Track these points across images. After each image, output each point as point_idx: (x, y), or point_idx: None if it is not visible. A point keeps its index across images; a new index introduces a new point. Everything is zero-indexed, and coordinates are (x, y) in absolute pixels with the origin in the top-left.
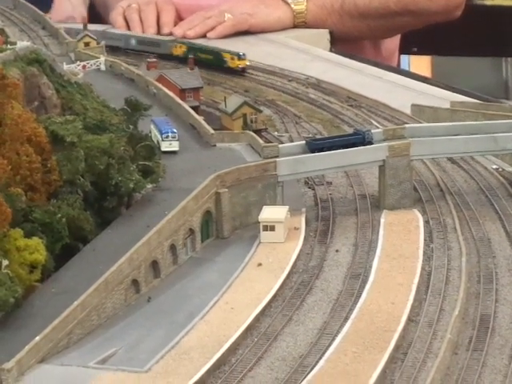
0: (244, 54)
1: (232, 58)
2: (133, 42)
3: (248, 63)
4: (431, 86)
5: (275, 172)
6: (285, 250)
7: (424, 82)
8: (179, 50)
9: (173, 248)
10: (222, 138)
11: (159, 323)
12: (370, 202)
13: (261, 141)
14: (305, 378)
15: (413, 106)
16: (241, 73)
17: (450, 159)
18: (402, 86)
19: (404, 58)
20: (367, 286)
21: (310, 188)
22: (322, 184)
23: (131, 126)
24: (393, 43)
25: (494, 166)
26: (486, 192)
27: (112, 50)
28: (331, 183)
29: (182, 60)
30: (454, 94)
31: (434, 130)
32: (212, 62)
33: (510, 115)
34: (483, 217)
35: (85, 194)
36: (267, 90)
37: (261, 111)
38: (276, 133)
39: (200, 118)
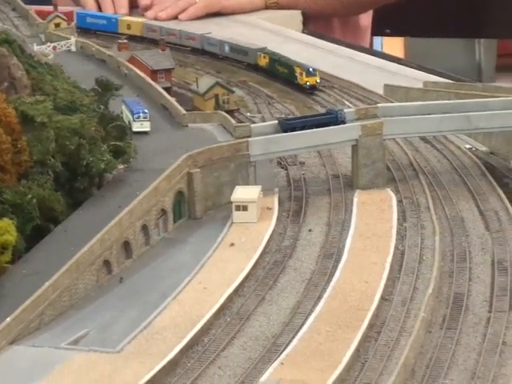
0: (314, 70)
1: (301, 73)
2: (226, 48)
3: (319, 80)
4: (404, 67)
5: (247, 152)
6: (257, 229)
7: (397, 62)
8: (263, 61)
9: (145, 228)
10: (194, 119)
11: (131, 304)
12: (343, 181)
13: (233, 121)
14: (278, 357)
15: (385, 86)
16: (309, 91)
17: (423, 139)
18: (374, 67)
19: (377, 39)
20: (340, 265)
21: (282, 168)
22: (295, 164)
23: (102, 106)
24: (365, 20)
25: (468, 146)
26: (460, 171)
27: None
28: (304, 163)
29: (265, 71)
30: (427, 74)
31: (406, 109)
32: (287, 77)
33: (482, 95)
34: (456, 196)
35: (55, 175)
36: (239, 71)
37: (233, 92)
38: (248, 113)
39: (172, 99)
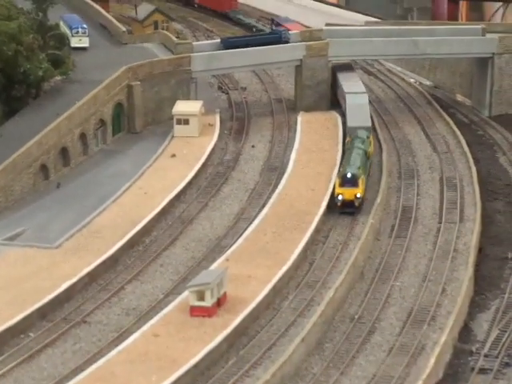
0: (355, 175)
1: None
2: None
3: (360, 194)
4: (342, 10)
5: (189, 67)
6: (199, 143)
7: (335, 6)
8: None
9: (83, 137)
10: (134, 40)
11: (69, 207)
12: (285, 105)
13: (174, 38)
14: (223, 255)
15: (327, 25)
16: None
17: (367, 71)
18: (313, 10)
19: None
20: (285, 176)
21: (223, 93)
22: (236, 89)
23: (40, 14)
24: None
25: (412, 80)
26: (405, 100)
27: None
28: (246, 88)
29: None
30: (367, 17)
31: (352, 32)
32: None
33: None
34: (402, 121)
35: None
36: (177, 7)
37: (173, 19)
38: None
39: (111, 17)
